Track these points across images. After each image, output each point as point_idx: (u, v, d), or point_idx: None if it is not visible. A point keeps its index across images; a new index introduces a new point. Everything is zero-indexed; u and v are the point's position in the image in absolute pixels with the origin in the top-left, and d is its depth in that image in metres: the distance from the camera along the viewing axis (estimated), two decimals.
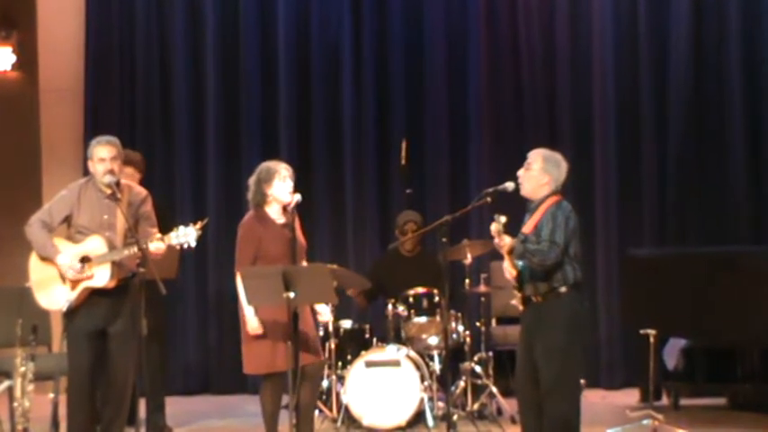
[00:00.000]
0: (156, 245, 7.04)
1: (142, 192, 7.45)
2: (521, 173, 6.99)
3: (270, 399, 7.37)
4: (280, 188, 7.36)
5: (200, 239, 7.10)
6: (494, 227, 6.84)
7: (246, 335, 7.29)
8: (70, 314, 7.16)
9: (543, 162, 6.94)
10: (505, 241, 6.85)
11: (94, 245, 7.10)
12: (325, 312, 7.65)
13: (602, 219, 10.63)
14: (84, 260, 7.07)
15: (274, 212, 7.40)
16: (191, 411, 9.88)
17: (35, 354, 7.56)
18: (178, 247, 7.14)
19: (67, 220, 7.22)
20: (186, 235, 7.00)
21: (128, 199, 7.23)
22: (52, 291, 7.12)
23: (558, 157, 7.00)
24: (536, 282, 6.86)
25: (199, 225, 7.04)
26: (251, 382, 10.68)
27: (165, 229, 7.15)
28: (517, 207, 7.11)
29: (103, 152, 7.17)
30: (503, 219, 6.81)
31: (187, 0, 11.08)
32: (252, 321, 7.20)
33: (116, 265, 7.11)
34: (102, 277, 7.10)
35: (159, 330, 8.26)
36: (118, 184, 7.15)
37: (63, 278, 7.10)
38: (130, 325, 7.19)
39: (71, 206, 7.20)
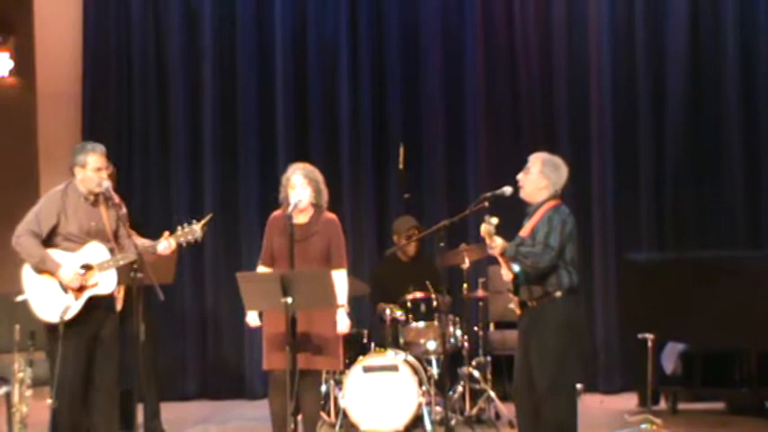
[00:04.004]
0: (165, 244, 7.09)
1: (115, 196, 7.43)
2: (520, 176, 7.01)
3: (272, 398, 7.37)
4: (290, 196, 7.41)
5: (204, 236, 7.18)
6: (484, 228, 6.85)
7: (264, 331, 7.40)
8: (70, 321, 7.11)
9: (542, 165, 6.95)
10: (496, 243, 6.85)
11: (95, 252, 7.07)
12: (342, 323, 7.52)
13: (599, 223, 10.63)
14: (86, 268, 7.05)
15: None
16: (188, 417, 9.87)
17: (33, 359, 7.53)
18: (184, 245, 7.17)
19: (54, 228, 7.16)
20: (193, 232, 7.08)
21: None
22: (53, 302, 7.02)
23: (557, 161, 7.01)
24: (531, 286, 6.87)
25: (203, 222, 7.08)
26: (248, 387, 10.69)
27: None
28: (515, 211, 7.12)
29: (100, 161, 7.19)
30: (494, 220, 6.82)
31: (184, 3, 11.08)
32: (250, 315, 7.37)
33: (117, 270, 7.11)
34: (108, 284, 7.08)
35: (151, 335, 8.26)
36: None
37: (65, 288, 7.07)
38: (118, 329, 7.23)
39: (58, 214, 7.13)
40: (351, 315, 9.71)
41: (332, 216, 7.56)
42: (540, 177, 6.94)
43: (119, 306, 7.25)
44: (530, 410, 6.92)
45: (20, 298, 7.13)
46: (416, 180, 10.70)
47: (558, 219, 6.82)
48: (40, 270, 7.08)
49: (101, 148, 7.26)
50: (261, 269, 7.55)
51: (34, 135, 11.12)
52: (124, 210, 7.33)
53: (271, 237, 7.50)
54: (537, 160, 7.01)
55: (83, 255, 7.08)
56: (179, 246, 7.23)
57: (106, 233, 7.17)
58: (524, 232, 6.91)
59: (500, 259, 6.94)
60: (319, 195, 7.49)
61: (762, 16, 10.63)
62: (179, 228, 7.14)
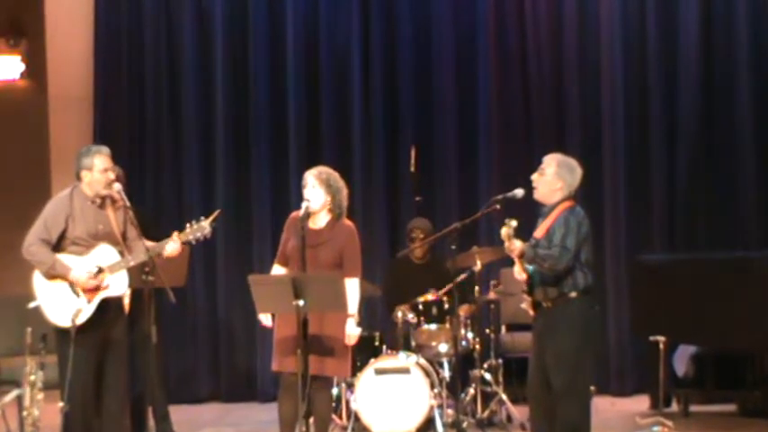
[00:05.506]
0: (172, 246, 7.08)
1: (125, 198, 7.41)
2: (535, 177, 7.01)
3: (281, 401, 7.32)
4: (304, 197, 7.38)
5: (214, 233, 7.20)
6: (504, 231, 6.83)
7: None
8: (82, 325, 7.10)
9: (557, 167, 6.95)
10: (516, 245, 6.85)
11: (105, 254, 7.07)
12: (351, 332, 7.34)
13: (611, 224, 10.61)
14: (98, 270, 7.04)
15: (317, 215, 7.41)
16: (200, 419, 9.87)
17: (44, 362, 7.54)
18: (194, 242, 7.17)
19: (62, 233, 7.14)
20: (202, 229, 7.07)
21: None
22: (66, 306, 7.01)
23: (572, 162, 7.02)
24: (546, 287, 6.87)
25: (211, 218, 7.09)
26: (260, 389, 10.69)
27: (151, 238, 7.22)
28: (529, 212, 7.12)
29: (106, 162, 7.20)
30: (513, 223, 6.81)
31: (196, 7, 11.09)
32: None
33: (128, 272, 7.11)
34: (120, 286, 7.08)
35: (160, 338, 8.23)
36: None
37: (76, 292, 7.07)
38: (126, 332, 7.27)
39: (66, 219, 7.12)
40: (361, 317, 9.79)
41: (348, 224, 7.43)
42: (556, 179, 6.94)
43: (125, 311, 7.25)
44: (544, 411, 6.93)
45: (32, 305, 7.12)
46: (428, 182, 10.68)
47: (575, 220, 6.83)
48: (51, 276, 7.07)
49: (105, 149, 7.27)
50: (276, 268, 7.49)
51: (46, 138, 11.15)
52: (130, 212, 7.32)
53: (286, 237, 7.43)
54: (552, 161, 7.01)
55: (93, 257, 7.07)
56: (190, 244, 7.24)
57: (114, 235, 7.17)
58: (539, 233, 6.92)
59: (517, 261, 6.93)
60: (336, 200, 7.34)
61: None
62: (188, 225, 7.12)
